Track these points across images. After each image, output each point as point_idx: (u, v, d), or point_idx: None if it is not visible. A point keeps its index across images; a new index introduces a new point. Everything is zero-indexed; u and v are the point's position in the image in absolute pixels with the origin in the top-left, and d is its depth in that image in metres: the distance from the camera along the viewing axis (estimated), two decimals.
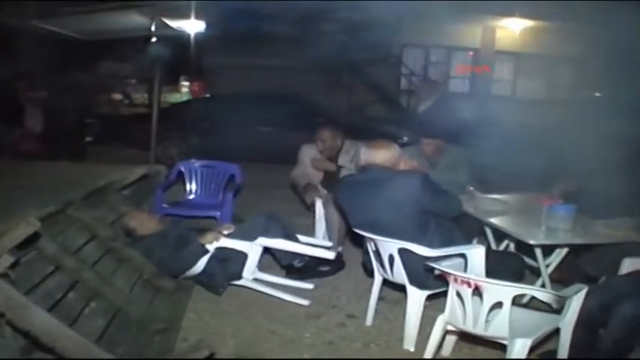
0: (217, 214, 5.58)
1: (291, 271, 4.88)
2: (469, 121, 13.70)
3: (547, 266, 4.35)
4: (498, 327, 3.03)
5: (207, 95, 13.42)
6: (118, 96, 14.50)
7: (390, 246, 3.71)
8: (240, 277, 4.55)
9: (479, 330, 3.09)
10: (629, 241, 4.09)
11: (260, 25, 11.47)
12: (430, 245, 3.64)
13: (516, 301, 3.03)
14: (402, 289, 3.95)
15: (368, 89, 14.45)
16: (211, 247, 4.44)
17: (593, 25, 13.37)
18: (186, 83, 14.69)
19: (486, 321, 3.04)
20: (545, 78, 16.48)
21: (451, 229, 3.91)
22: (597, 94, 12.54)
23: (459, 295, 3.13)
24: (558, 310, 3.26)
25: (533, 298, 3.63)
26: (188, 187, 6.19)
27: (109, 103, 14.43)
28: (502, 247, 4.93)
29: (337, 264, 4.98)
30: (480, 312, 3.03)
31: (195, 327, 4.01)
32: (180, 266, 4.49)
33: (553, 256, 4.37)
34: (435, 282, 3.59)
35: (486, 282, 3.00)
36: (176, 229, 4.87)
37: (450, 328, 3.34)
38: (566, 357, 3.27)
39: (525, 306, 3.91)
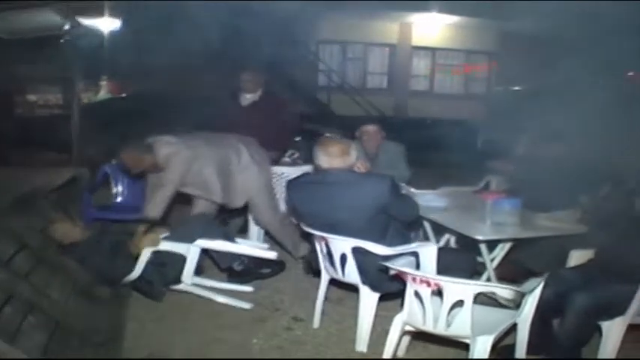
0: None
1: (231, 275, 4.70)
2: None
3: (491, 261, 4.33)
4: (460, 326, 2.97)
5: (124, 95, 12.98)
6: (32, 97, 13.81)
7: (343, 245, 3.61)
8: (179, 281, 4.36)
9: (440, 329, 3.03)
10: (571, 234, 4.13)
11: (176, 24, 11.20)
12: (388, 246, 3.59)
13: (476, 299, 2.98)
14: (344, 287, 3.97)
15: (286, 87, 14.34)
16: (148, 252, 4.19)
17: (510, 21, 13.84)
18: (104, 83, 14.16)
19: (447, 320, 2.97)
20: (462, 73, 16.85)
21: (404, 230, 3.87)
22: (516, 88, 12.91)
23: (417, 294, 3.04)
24: (514, 306, 3.24)
25: (479, 294, 3.59)
26: (115, 189, 5.93)
27: (23, 104, 13.76)
28: (442, 242, 4.91)
29: (278, 265, 4.85)
30: (441, 311, 2.96)
31: (139, 336, 3.81)
32: (116, 273, 4.27)
33: (497, 250, 4.38)
34: (388, 282, 3.53)
35: (447, 281, 2.93)
36: (108, 235, 4.59)
37: (407, 328, 3.25)
38: (524, 351, 3.24)
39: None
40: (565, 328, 3.35)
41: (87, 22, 13.52)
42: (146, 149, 4.41)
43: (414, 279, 3.00)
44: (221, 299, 4.33)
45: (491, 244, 4.30)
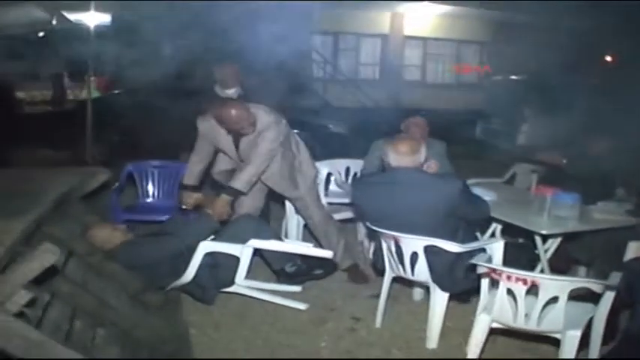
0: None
1: (281, 276, 4.58)
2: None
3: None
4: (553, 321, 3.00)
5: (117, 91, 12.76)
6: (21, 94, 13.52)
7: (415, 243, 3.56)
8: (231, 283, 4.23)
9: (531, 326, 3.04)
10: (623, 226, 4.17)
11: (168, 16, 11.04)
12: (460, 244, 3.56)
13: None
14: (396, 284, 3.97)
15: (283, 79, 14.22)
16: (200, 254, 4.08)
17: (502, 11, 13.90)
18: (94, 79, 13.90)
19: (539, 316, 2.97)
20: (454, 62, 16.90)
21: (474, 229, 3.84)
22: (513, 77, 12.94)
23: (509, 292, 3.02)
24: (593, 300, 3.24)
25: None
26: (142, 189, 5.78)
27: (13, 102, 13.48)
28: (487, 234, 4.89)
29: (330, 266, 4.71)
30: (534, 308, 2.95)
31: (202, 344, 3.70)
32: (166, 277, 4.14)
33: (549, 243, 4.37)
34: (459, 281, 3.58)
35: (543, 278, 2.93)
36: (153, 238, 4.48)
37: (494, 325, 3.23)
38: (599, 343, 3.25)
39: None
40: (635, 321, 3.36)
41: (73, 17, 13.33)
42: (247, 109, 4.32)
43: (508, 277, 2.97)
44: (277, 300, 4.23)
45: (544, 237, 4.29)
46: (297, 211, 5.00)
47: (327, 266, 4.69)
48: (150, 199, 5.79)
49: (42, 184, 4.42)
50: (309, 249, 4.45)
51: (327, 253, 4.35)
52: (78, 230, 4.37)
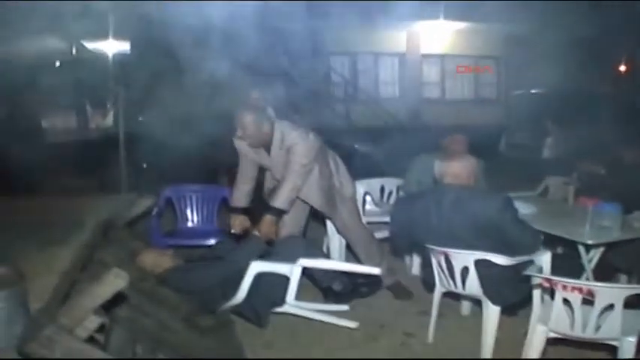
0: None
1: (328, 295, 4.65)
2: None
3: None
4: (610, 328, 3.04)
5: (141, 119, 12.94)
6: (44, 123, 13.73)
7: (466, 258, 3.63)
8: (282, 303, 4.28)
9: (588, 334, 3.08)
10: None
11: (187, 42, 11.21)
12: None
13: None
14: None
15: (304, 99, 14.35)
16: (251, 275, 4.17)
17: (516, 26, 14.01)
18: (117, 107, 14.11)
19: (596, 324, 3.05)
20: (472, 78, 17.00)
21: None
22: (534, 91, 13.02)
23: (565, 301, 3.11)
24: None
25: None
26: (181, 214, 5.86)
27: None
28: None
29: (377, 283, 4.78)
30: (590, 316, 3.03)
31: None
32: (217, 299, 4.21)
33: (592, 253, 4.43)
34: (509, 294, 3.65)
35: (599, 286, 3.00)
36: (201, 261, 4.58)
37: (551, 335, 3.30)
38: None
39: None
40: None
41: (92, 45, 13.55)
42: (267, 120, 4.40)
43: (564, 286, 3.05)
44: (327, 319, 4.28)
45: (588, 247, 4.36)
46: (339, 231, 5.05)
47: (372, 284, 4.76)
48: (189, 224, 5.88)
49: (83, 212, 4.55)
50: (357, 266, 4.53)
51: (375, 270, 4.40)
52: (125, 256, 4.49)
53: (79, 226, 4.02)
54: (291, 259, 4.26)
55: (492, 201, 3.65)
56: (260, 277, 4.20)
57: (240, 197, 4.76)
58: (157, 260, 4.40)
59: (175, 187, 6.00)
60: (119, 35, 12.31)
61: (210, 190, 6.01)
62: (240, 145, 4.64)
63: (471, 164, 3.80)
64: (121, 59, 13.02)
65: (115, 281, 2.61)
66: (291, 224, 4.83)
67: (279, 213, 4.40)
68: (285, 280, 4.27)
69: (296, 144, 4.36)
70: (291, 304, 4.32)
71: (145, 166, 10.13)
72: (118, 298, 2.86)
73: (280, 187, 4.41)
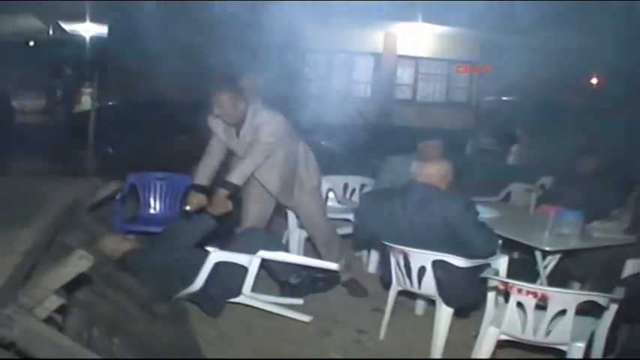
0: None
1: (284, 288, 4.64)
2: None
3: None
4: (560, 334, 3.10)
5: (111, 103, 12.77)
6: (13, 103, 13.48)
7: (424, 258, 3.66)
8: (238, 293, 4.26)
9: (539, 338, 3.14)
10: (620, 244, 4.31)
11: (165, 32, 11.14)
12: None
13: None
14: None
15: (282, 98, 14.28)
16: (210, 263, 4.12)
17: (493, 33, 14.14)
18: (89, 90, 13.89)
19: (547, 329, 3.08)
20: (444, 82, 17.11)
21: None
22: (505, 98, 13.15)
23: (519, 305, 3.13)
24: (594, 314, 3.36)
25: None
26: (144, 200, 5.81)
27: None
28: None
29: (333, 279, 4.78)
30: (542, 320, 3.06)
31: (209, 355, 3.73)
32: (174, 286, 4.17)
33: (548, 259, 4.47)
34: (464, 296, 3.73)
35: (553, 291, 3.04)
36: (162, 247, 4.51)
37: (502, 337, 3.32)
38: (600, 355, 3.37)
39: None
40: (637, 334, 3.49)
41: (69, 27, 13.34)
42: (243, 99, 4.36)
43: (519, 290, 3.07)
44: (282, 312, 4.29)
45: (545, 254, 4.40)
46: (301, 223, 5.05)
47: (329, 279, 4.76)
48: (151, 210, 5.82)
49: (47, 194, 4.45)
50: (315, 261, 4.52)
51: (333, 266, 4.41)
52: (87, 239, 4.42)
53: (42, 208, 3.94)
54: (251, 250, 4.25)
55: (454, 202, 3.69)
56: (218, 266, 4.17)
57: (202, 176, 4.64)
58: (118, 245, 4.38)
59: (140, 174, 5.94)
60: (97, 18, 12.15)
61: (176, 177, 5.94)
62: (214, 123, 4.59)
63: (444, 169, 3.83)
64: (97, 42, 12.85)
65: (78, 263, 2.60)
66: (256, 217, 4.82)
67: (234, 189, 4.33)
68: (243, 270, 4.26)
69: (264, 122, 4.33)
70: (247, 295, 4.31)
71: (110, 150, 10.00)
72: (80, 280, 2.85)
73: (238, 163, 4.37)
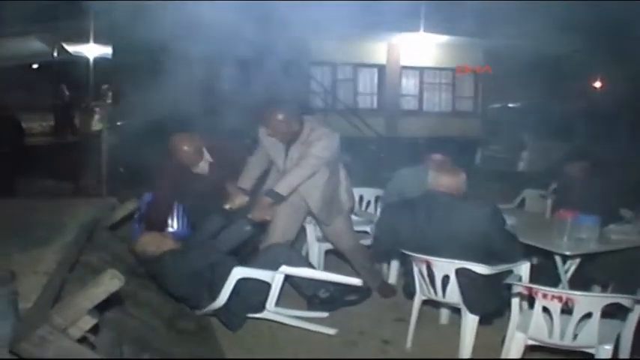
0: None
1: (315, 302, 4.66)
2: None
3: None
4: (587, 337, 3.14)
5: (119, 123, 12.85)
6: (23, 125, 13.63)
7: (447, 266, 3.70)
8: (262, 309, 4.30)
9: (566, 342, 3.17)
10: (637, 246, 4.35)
11: (169, 48, 11.19)
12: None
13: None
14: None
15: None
16: (234, 279, 4.15)
17: (495, 40, 14.20)
18: (98, 110, 14.02)
19: (574, 332, 3.11)
20: (450, 91, 17.17)
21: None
22: (511, 105, 13.20)
23: (544, 310, 3.17)
24: (620, 316, 3.39)
25: None
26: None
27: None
28: None
29: (365, 292, 4.83)
30: (569, 324, 3.10)
31: None
32: (200, 300, 4.24)
33: (568, 264, 4.51)
34: (488, 303, 3.75)
35: (578, 295, 3.07)
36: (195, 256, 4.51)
37: (529, 343, 3.36)
38: (627, 356, 3.41)
39: None
40: None
41: (72, 48, 13.42)
42: (298, 119, 4.48)
43: (544, 295, 3.11)
44: (307, 326, 4.32)
45: (565, 258, 4.44)
46: (325, 238, 5.11)
47: (360, 292, 4.81)
48: (170, 229, 5.85)
49: (64, 215, 4.53)
50: (338, 277, 4.52)
51: (356, 282, 4.44)
52: (109, 258, 4.49)
53: (61, 229, 4.00)
54: (274, 266, 4.29)
55: (481, 209, 3.75)
56: (241, 281, 4.20)
57: (246, 179, 4.81)
58: (160, 243, 4.39)
59: None
60: (100, 39, 12.24)
61: None
62: (264, 136, 4.69)
63: (461, 178, 3.92)
64: (101, 63, 12.93)
65: (110, 282, 2.65)
66: (282, 231, 4.84)
67: (278, 198, 4.41)
68: (266, 286, 4.30)
69: (321, 137, 4.41)
70: (271, 311, 4.34)
71: (122, 170, 10.06)
72: (111, 300, 2.88)
73: (287, 174, 4.43)
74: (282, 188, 4.37)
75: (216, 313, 4.30)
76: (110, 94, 12.96)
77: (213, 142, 5.13)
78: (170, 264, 4.16)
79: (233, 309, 4.26)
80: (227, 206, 4.59)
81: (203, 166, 5.07)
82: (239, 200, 4.62)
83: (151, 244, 4.33)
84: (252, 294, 4.29)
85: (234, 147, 5.36)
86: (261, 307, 4.32)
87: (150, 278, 4.43)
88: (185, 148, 4.93)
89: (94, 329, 2.73)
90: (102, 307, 3.08)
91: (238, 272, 4.19)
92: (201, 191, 5.01)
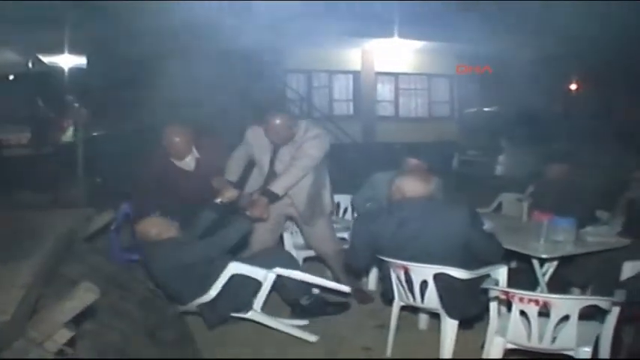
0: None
1: (297, 308, 4.70)
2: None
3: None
4: (566, 339, 3.15)
5: (95, 133, 12.74)
6: None
7: (425, 272, 3.69)
8: (248, 307, 4.28)
9: (545, 345, 3.18)
10: (616, 247, 4.37)
11: (144, 59, 11.17)
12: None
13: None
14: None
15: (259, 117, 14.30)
16: (227, 274, 4.17)
17: (470, 45, 14.29)
18: (70, 120, 13.88)
19: (552, 335, 3.12)
20: (426, 96, 17.25)
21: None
22: (487, 109, 13.27)
23: (522, 313, 3.18)
24: (598, 318, 3.41)
25: None
26: None
27: None
28: None
29: (345, 305, 4.90)
30: (547, 327, 3.11)
31: None
32: (190, 293, 4.22)
33: (546, 267, 4.52)
34: (467, 308, 3.75)
35: (554, 298, 3.09)
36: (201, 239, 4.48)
37: (508, 346, 3.37)
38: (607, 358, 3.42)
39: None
40: None
41: (48, 59, 13.30)
42: (295, 121, 4.62)
43: (521, 299, 3.12)
44: (290, 330, 4.32)
45: (542, 261, 4.45)
46: (306, 241, 5.14)
47: (340, 304, 4.87)
48: None
49: (41, 227, 4.45)
50: (329, 282, 4.58)
51: (345, 289, 4.52)
52: (87, 270, 4.42)
53: (38, 241, 3.94)
54: (268, 265, 4.32)
55: (459, 212, 3.74)
56: (232, 277, 4.21)
57: (232, 172, 4.88)
58: (164, 229, 4.35)
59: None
60: (75, 49, 12.15)
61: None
62: (253, 136, 4.80)
63: (432, 184, 3.91)
64: (77, 73, 12.83)
65: (85, 295, 2.65)
66: (263, 240, 4.91)
67: (275, 198, 4.47)
68: (256, 286, 4.31)
69: (316, 136, 4.55)
70: (257, 311, 4.33)
71: (99, 180, 9.97)
72: (86, 312, 2.85)
73: (283, 174, 4.51)
74: (278, 188, 4.44)
75: (200, 308, 4.27)
76: (76, 105, 12.85)
77: (202, 139, 5.16)
78: (169, 251, 4.14)
79: (219, 305, 4.22)
80: (218, 200, 4.60)
81: (189, 162, 5.05)
82: (229, 193, 4.63)
83: (155, 227, 4.31)
84: (241, 291, 4.28)
85: (222, 146, 5.36)
86: (248, 306, 4.31)
87: (142, 264, 4.53)
88: (177, 139, 4.93)
89: (72, 342, 2.68)
90: (79, 320, 3.06)
91: (233, 267, 4.20)
92: (184, 187, 4.95)
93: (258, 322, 4.33)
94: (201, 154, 5.08)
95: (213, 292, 4.12)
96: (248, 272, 4.24)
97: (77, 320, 2.97)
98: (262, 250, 4.71)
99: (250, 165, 4.98)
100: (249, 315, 4.30)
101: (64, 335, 2.57)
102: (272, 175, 4.67)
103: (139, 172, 5.16)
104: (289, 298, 4.70)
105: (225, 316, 4.29)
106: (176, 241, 4.26)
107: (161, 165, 5.03)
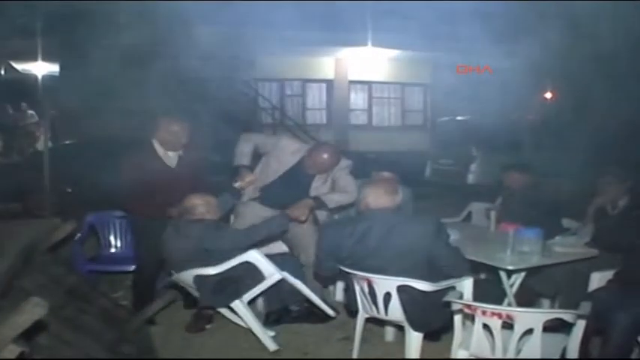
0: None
1: (270, 316, 4.71)
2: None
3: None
4: (530, 352, 3.09)
5: (67, 142, 12.55)
6: None
7: (388, 284, 3.62)
8: (237, 297, 4.24)
9: (509, 357, 3.11)
10: (584, 258, 4.33)
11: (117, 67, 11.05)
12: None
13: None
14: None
15: (231, 126, 14.20)
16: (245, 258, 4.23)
17: (443, 54, 14.34)
18: (42, 129, 13.73)
19: (516, 348, 3.06)
20: (399, 105, 17.28)
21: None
22: (460, 118, 13.30)
23: (485, 326, 3.12)
24: (564, 331, 3.36)
25: None
26: (104, 240, 5.73)
27: None
28: None
29: (312, 314, 4.84)
30: (510, 341, 3.05)
31: None
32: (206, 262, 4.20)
33: (513, 278, 4.46)
34: (431, 320, 3.68)
35: (517, 311, 3.05)
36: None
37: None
38: None
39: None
40: (609, 347, 3.49)
41: (21, 66, 13.15)
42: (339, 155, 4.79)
43: (483, 312, 3.06)
44: (260, 333, 4.26)
45: (509, 273, 4.40)
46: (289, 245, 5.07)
47: (308, 312, 4.81)
48: (113, 250, 5.72)
49: (3, 237, 4.34)
50: (318, 300, 4.61)
51: (331, 313, 4.64)
52: (46, 282, 4.30)
53: None
54: (280, 267, 4.35)
55: (424, 225, 3.69)
56: (242, 265, 4.24)
57: (243, 155, 4.84)
58: (211, 208, 4.36)
59: (99, 213, 5.86)
60: (48, 57, 12.02)
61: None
62: (281, 148, 4.87)
63: (399, 196, 3.85)
64: (49, 81, 12.70)
65: (33, 310, 2.53)
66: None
67: (320, 205, 4.58)
68: (258, 280, 4.31)
69: (346, 167, 4.88)
70: (242, 304, 4.27)
71: (69, 190, 9.79)
72: (38, 327, 2.76)
73: (339, 193, 4.69)
74: (328, 199, 4.58)
75: (196, 281, 4.26)
76: (30, 112, 12.70)
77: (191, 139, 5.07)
78: (206, 232, 4.17)
79: (215, 285, 4.20)
80: (237, 184, 4.64)
81: (173, 157, 4.89)
82: (249, 178, 4.68)
83: (205, 205, 4.32)
84: (242, 279, 4.28)
85: (204, 150, 5.48)
86: (237, 296, 4.26)
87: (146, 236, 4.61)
88: (174, 128, 4.80)
89: (22, 358, 2.57)
90: (34, 334, 2.95)
91: (252, 255, 4.24)
92: (167, 182, 4.80)
93: (221, 332, 4.40)
94: (184, 152, 4.97)
95: (223, 267, 4.15)
96: (261, 265, 4.27)
97: (29, 335, 2.88)
98: (287, 256, 4.77)
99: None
100: (234, 305, 4.25)
101: (13, 351, 2.48)
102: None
103: (126, 167, 4.98)
104: (276, 303, 4.69)
105: (219, 302, 4.30)
106: (216, 225, 4.28)
107: (148, 158, 4.85)
